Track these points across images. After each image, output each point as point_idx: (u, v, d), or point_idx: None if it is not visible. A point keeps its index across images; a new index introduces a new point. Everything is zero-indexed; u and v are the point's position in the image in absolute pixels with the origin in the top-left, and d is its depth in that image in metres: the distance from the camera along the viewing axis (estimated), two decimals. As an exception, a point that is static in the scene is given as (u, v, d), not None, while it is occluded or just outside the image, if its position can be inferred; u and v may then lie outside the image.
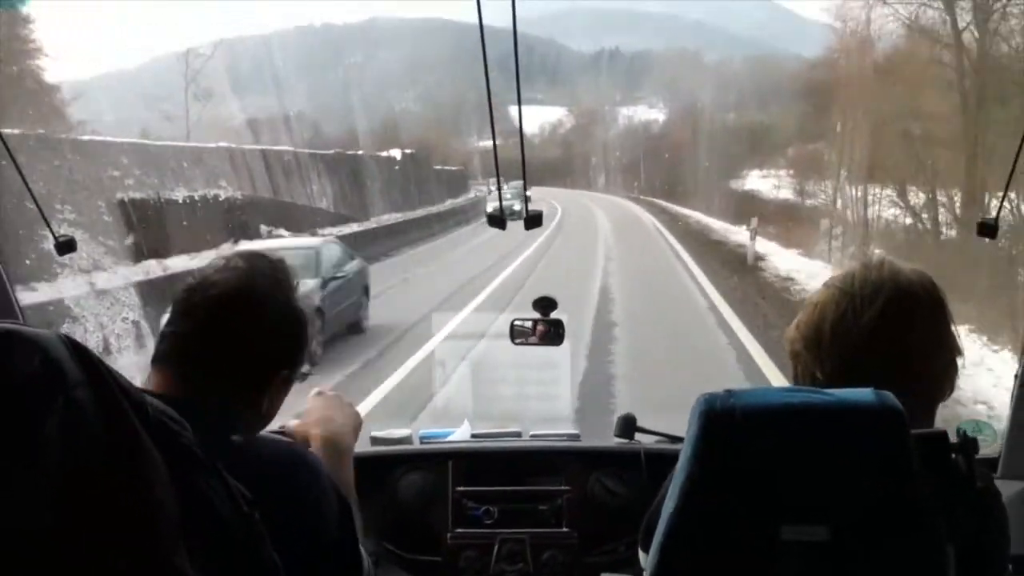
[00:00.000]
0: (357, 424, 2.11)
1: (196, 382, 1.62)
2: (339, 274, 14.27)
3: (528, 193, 2.13)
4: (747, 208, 31.34)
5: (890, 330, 1.67)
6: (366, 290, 15.50)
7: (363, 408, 8.78)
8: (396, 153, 40.23)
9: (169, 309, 1.72)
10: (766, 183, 37.67)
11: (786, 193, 34.89)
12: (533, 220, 2.04)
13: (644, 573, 1.62)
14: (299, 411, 2.11)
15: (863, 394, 1.44)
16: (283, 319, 1.73)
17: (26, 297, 10.79)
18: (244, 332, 1.68)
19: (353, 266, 15.28)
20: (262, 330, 1.70)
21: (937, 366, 1.71)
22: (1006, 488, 2.45)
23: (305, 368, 1.82)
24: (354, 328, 14.38)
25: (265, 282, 1.72)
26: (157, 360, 1.67)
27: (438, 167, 48.21)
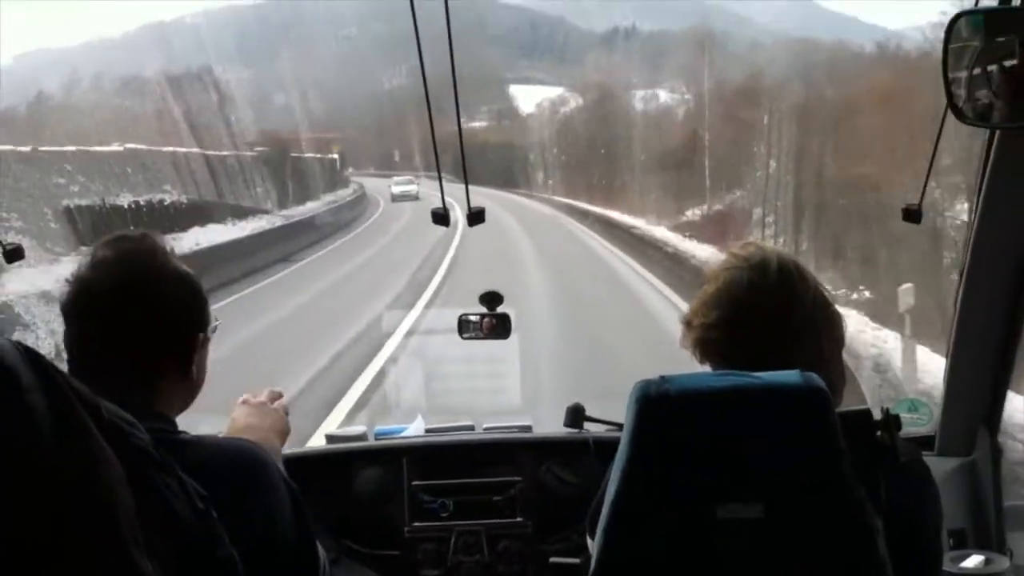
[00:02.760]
0: (283, 429, 2.10)
1: (120, 382, 1.56)
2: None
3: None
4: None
5: (791, 286, 1.77)
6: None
7: (338, 413, 8.64)
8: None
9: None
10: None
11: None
12: (475, 216, 2.08)
13: (592, 557, 1.67)
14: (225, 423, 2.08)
15: (790, 376, 1.51)
16: (177, 288, 1.70)
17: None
18: (146, 317, 1.65)
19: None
20: (162, 307, 1.67)
21: (833, 317, 1.83)
22: (942, 464, 2.54)
23: (214, 321, 1.78)
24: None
25: (143, 260, 1.68)
26: (73, 370, 1.62)
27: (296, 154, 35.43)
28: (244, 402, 2.12)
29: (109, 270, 1.65)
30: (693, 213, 26.42)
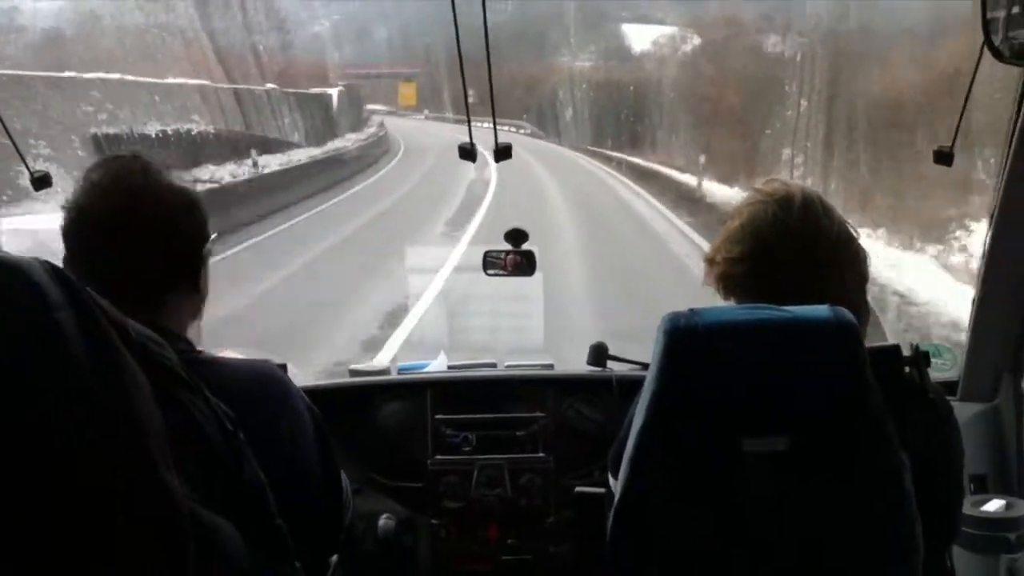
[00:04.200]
0: None
1: (131, 300, 1.47)
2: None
3: None
4: None
5: (815, 221, 1.74)
6: None
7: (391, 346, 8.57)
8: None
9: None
10: None
11: None
12: (502, 152, 2.07)
13: (615, 493, 1.68)
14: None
15: (819, 310, 1.51)
16: (174, 201, 1.69)
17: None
18: (148, 235, 1.64)
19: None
20: (163, 223, 1.66)
21: (857, 253, 1.80)
22: (964, 410, 2.53)
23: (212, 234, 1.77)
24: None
25: (136, 179, 1.66)
26: None
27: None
28: None
29: (104, 193, 1.65)
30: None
